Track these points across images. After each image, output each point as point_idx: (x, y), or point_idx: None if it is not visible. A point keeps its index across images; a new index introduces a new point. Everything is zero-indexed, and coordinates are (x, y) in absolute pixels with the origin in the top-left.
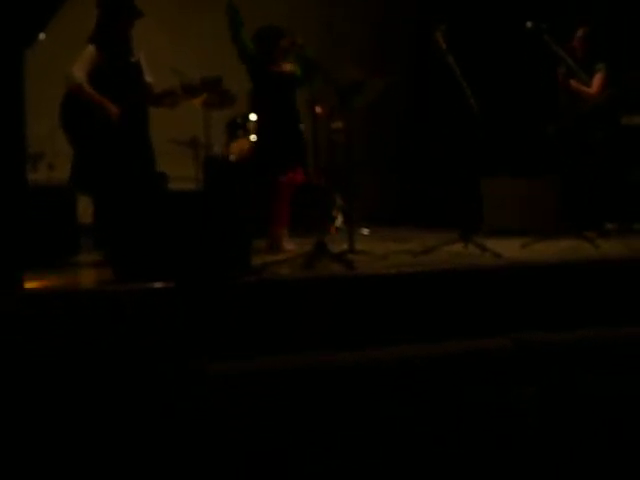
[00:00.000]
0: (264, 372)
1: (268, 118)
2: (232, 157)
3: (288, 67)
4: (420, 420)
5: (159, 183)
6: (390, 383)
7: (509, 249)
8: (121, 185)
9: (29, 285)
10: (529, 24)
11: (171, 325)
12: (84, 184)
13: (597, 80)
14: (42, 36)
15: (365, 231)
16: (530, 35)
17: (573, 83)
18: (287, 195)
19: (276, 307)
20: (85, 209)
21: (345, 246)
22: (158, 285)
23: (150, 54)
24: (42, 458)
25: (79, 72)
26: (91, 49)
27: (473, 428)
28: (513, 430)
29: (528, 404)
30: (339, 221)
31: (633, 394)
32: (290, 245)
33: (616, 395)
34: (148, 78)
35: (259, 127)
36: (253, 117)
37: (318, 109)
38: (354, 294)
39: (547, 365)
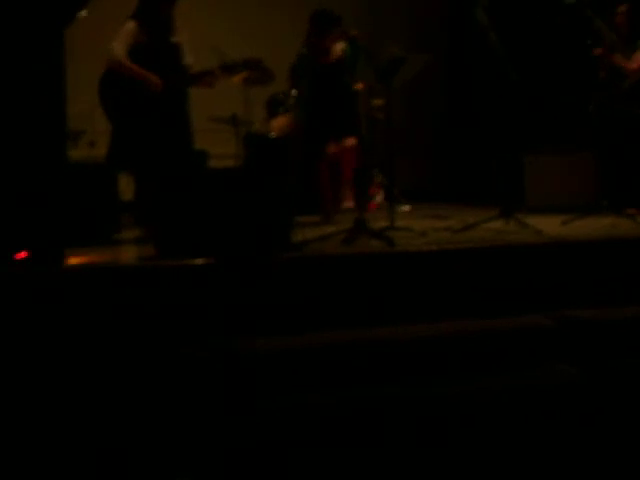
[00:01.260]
0: (301, 349)
1: (318, 100)
2: (272, 134)
3: (338, 51)
4: (461, 398)
5: (199, 161)
6: (431, 359)
7: (550, 226)
8: (161, 163)
9: (72, 261)
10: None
11: (212, 301)
12: (122, 161)
13: (639, 56)
14: (84, 13)
15: (406, 208)
16: (572, 10)
17: (615, 58)
18: (332, 168)
19: (317, 284)
20: (126, 186)
21: (385, 223)
22: (199, 261)
23: (192, 33)
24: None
25: (119, 48)
26: (132, 25)
27: (516, 405)
28: (555, 408)
29: (571, 382)
30: (380, 198)
31: None
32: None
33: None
34: (188, 59)
35: (309, 105)
36: (294, 94)
37: (359, 86)
38: (394, 271)
39: (589, 343)
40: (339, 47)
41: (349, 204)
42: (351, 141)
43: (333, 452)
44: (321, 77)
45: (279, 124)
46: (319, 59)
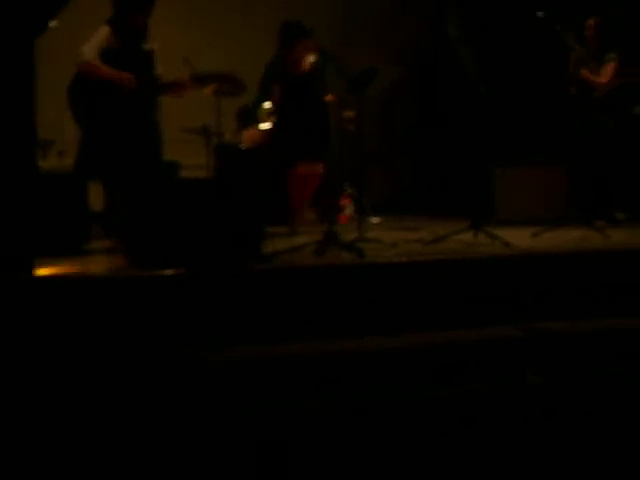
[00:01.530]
0: (272, 359)
1: (288, 112)
2: (243, 145)
3: (308, 63)
4: (428, 407)
5: (170, 171)
6: (398, 370)
7: (519, 238)
8: (132, 173)
9: (40, 272)
10: (540, 13)
11: (182, 312)
12: (90, 169)
13: (608, 70)
14: (54, 23)
15: (375, 220)
16: (541, 24)
17: (584, 72)
18: (301, 184)
19: (286, 295)
20: (96, 196)
21: (355, 234)
22: (170, 272)
23: (164, 43)
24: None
25: (89, 50)
26: (106, 30)
27: (480, 416)
28: (517, 419)
29: (534, 393)
30: (350, 210)
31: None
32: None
33: (624, 384)
34: (159, 69)
35: (279, 117)
36: (265, 105)
37: (329, 97)
38: (364, 282)
39: (558, 354)
40: (310, 59)
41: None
42: (319, 167)
43: (330, 452)
44: (291, 88)
45: (250, 135)
46: (289, 70)
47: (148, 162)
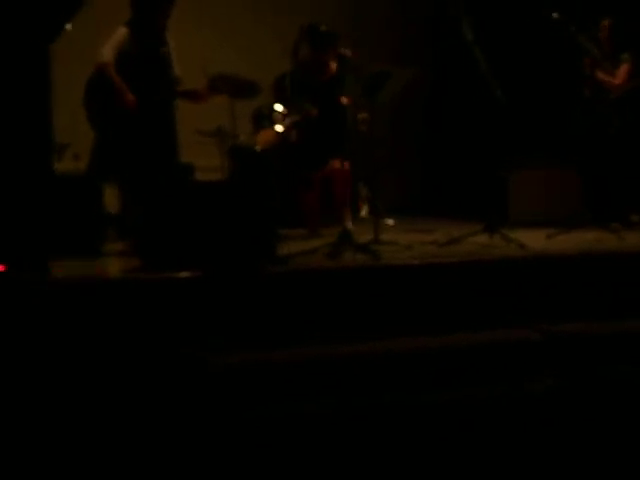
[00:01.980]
0: (274, 364)
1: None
2: (258, 147)
3: (333, 69)
4: (445, 409)
5: (185, 173)
6: (416, 372)
7: (534, 240)
8: (147, 175)
9: (56, 273)
10: (555, 15)
11: (198, 314)
12: (104, 171)
13: (623, 71)
14: (69, 26)
15: (390, 222)
16: (556, 26)
17: (599, 74)
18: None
19: (302, 297)
20: (112, 198)
21: (370, 236)
22: (185, 274)
23: (180, 45)
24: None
25: (108, 51)
26: (123, 31)
27: (494, 417)
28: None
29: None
30: (364, 211)
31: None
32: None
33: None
34: (177, 71)
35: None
36: (279, 107)
37: (344, 99)
38: (380, 284)
39: (573, 356)
40: (334, 65)
41: (348, 224)
42: (343, 164)
43: (329, 458)
44: (317, 95)
45: (265, 137)
46: (315, 76)
47: (163, 164)
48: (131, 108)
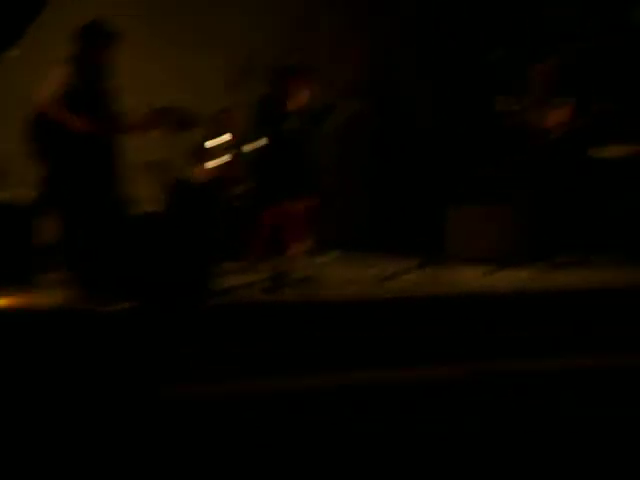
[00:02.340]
0: (226, 396)
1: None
2: (196, 180)
3: (302, 100)
4: (376, 442)
5: (125, 205)
6: (347, 406)
7: (469, 277)
8: (88, 206)
9: None
10: (495, 54)
11: (134, 346)
12: (53, 202)
13: (558, 112)
14: (16, 53)
15: (330, 255)
16: (496, 65)
17: (536, 115)
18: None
19: (239, 330)
20: (49, 228)
21: (309, 270)
22: (122, 306)
23: (124, 79)
24: None
25: (45, 93)
26: (63, 70)
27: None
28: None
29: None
30: (305, 245)
31: (581, 421)
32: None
33: (566, 421)
34: (120, 106)
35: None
36: (218, 140)
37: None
38: (316, 318)
39: (502, 394)
40: (304, 97)
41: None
42: (308, 201)
43: None
44: (281, 126)
45: (203, 170)
46: (282, 106)
47: (106, 197)
48: (83, 129)
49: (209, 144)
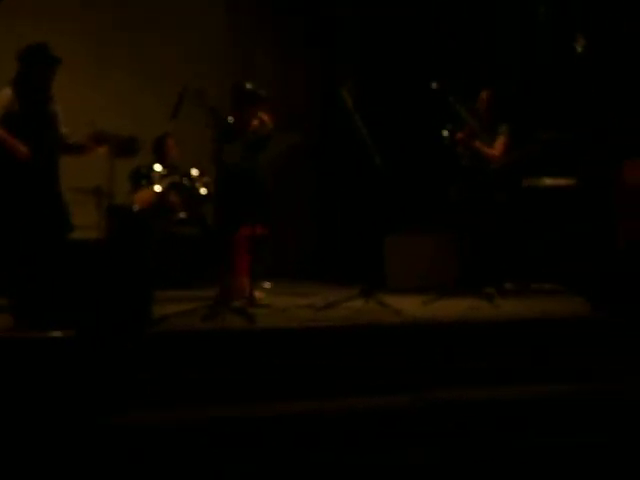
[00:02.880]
0: (158, 425)
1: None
2: (135, 206)
3: (256, 126)
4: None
5: (61, 232)
6: (283, 437)
7: (410, 306)
8: (23, 231)
9: None
10: (434, 84)
11: (69, 375)
12: None
13: (500, 142)
14: None
15: (267, 285)
16: (435, 95)
17: (476, 144)
18: (245, 246)
19: (175, 359)
20: None
21: (250, 298)
22: (57, 334)
23: (65, 106)
24: None
25: None
26: (7, 92)
27: None
28: None
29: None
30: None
31: (529, 452)
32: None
33: (515, 452)
34: (63, 129)
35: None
36: (158, 167)
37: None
38: (254, 347)
39: (445, 423)
40: (257, 123)
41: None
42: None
43: None
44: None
45: (143, 197)
46: (238, 134)
47: (43, 222)
48: (25, 158)
49: (150, 170)
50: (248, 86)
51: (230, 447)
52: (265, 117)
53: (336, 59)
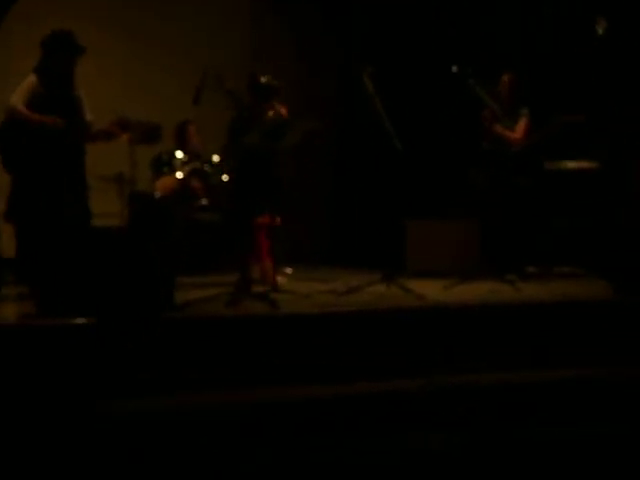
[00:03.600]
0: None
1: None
2: (157, 194)
3: (281, 110)
4: (334, 460)
5: (84, 219)
6: (308, 420)
7: (432, 291)
8: (47, 218)
9: None
10: (454, 68)
11: (92, 361)
12: (21, 214)
13: (521, 125)
14: None
15: (288, 270)
16: (456, 79)
17: (497, 127)
18: (262, 232)
19: (198, 345)
20: (8, 242)
21: (272, 284)
22: (80, 321)
23: (89, 93)
24: None
25: (16, 99)
26: (32, 79)
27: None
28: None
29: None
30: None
31: (548, 438)
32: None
33: (532, 439)
34: (89, 116)
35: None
36: (179, 154)
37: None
38: (277, 333)
39: (466, 408)
40: (272, 112)
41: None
42: (271, 217)
43: None
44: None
45: (164, 184)
46: (254, 124)
47: (66, 209)
48: (57, 125)
49: (171, 157)
50: (262, 79)
51: (260, 431)
52: (279, 107)
53: (354, 44)
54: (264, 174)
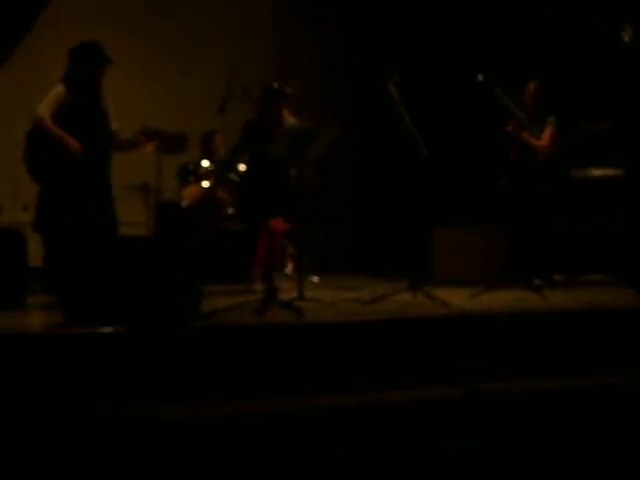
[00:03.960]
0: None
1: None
2: (183, 203)
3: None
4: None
5: (110, 228)
6: (333, 430)
7: (458, 299)
8: (74, 228)
9: None
10: (480, 77)
11: (120, 370)
12: (48, 224)
13: (547, 133)
14: None
15: (315, 279)
16: (481, 87)
17: (524, 135)
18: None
19: (225, 353)
20: (36, 251)
21: (295, 293)
22: (107, 330)
23: (116, 103)
24: None
25: (43, 109)
26: (60, 89)
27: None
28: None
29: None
30: (289, 268)
31: (578, 445)
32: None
33: (562, 446)
34: (114, 125)
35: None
36: (205, 163)
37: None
38: (303, 341)
39: (494, 416)
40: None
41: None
42: (292, 224)
43: None
44: (270, 148)
45: (190, 193)
46: (268, 130)
47: (93, 219)
48: (77, 153)
49: (197, 166)
50: (274, 85)
51: (287, 438)
52: (288, 115)
53: (376, 51)
54: (279, 180)
